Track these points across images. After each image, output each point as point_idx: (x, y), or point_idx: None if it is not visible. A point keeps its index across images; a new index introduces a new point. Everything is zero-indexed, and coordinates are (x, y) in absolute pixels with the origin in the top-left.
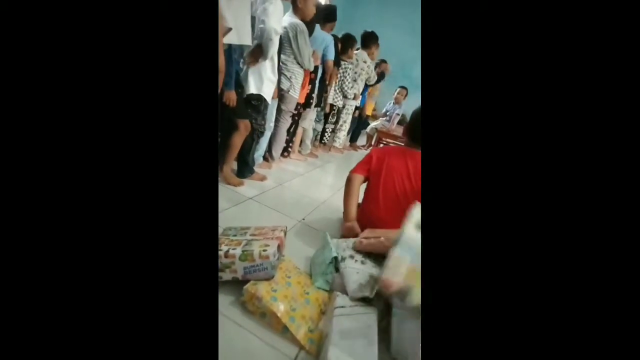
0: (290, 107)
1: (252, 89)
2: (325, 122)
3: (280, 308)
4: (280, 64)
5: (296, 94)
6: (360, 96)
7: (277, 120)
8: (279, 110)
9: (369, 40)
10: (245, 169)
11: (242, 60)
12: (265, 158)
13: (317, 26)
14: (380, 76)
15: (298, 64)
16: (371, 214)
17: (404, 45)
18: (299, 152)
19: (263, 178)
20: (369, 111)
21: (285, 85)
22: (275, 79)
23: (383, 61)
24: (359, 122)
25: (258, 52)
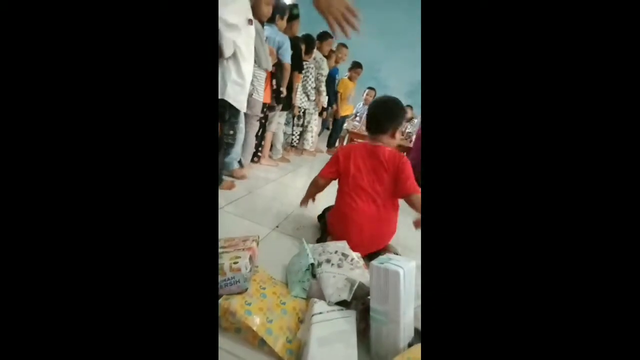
0: (255, 111)
1: None
2: (293, 125)
3: (256, 321)
4: None
5: (260, 97)
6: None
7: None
8: (245, 115)
9: (320, 38)
10: None
11: None
12: (240, 164)
13: (274, 26)
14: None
15: (257, 65)
16: (346, 208)
17: (371, 47)
18: (270, 157)
19: (231, 186)
20: (348, 112)
21: None
22: (243, 81)
23: (357, 64)
24: (335, 126)
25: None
